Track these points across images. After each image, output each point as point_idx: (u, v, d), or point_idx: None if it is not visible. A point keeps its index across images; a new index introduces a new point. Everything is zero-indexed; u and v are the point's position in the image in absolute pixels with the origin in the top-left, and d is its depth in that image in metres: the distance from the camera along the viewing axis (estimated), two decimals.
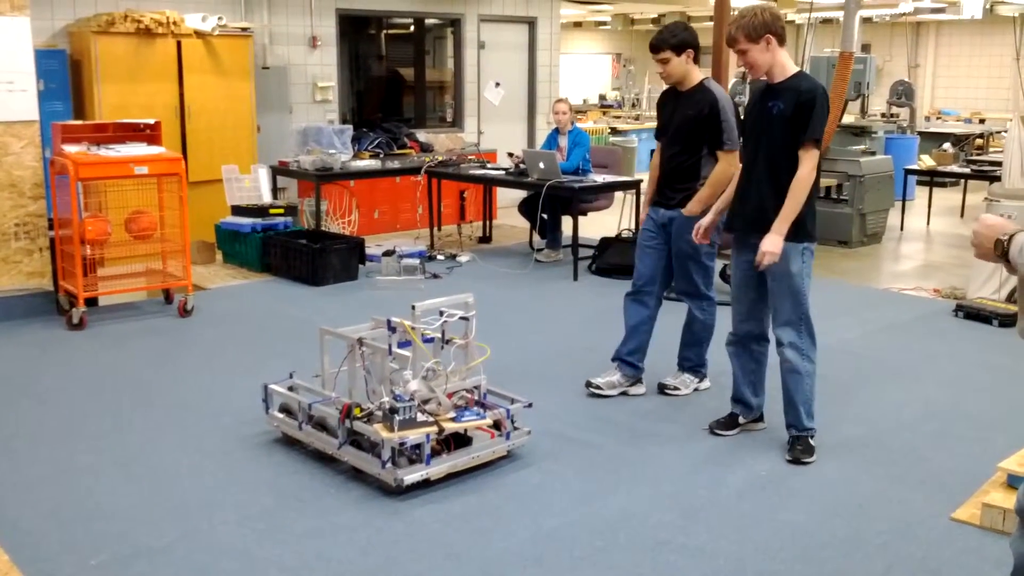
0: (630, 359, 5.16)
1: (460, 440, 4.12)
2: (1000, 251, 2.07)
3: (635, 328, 5.15)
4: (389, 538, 3.60)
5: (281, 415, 4.44)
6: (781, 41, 4.21)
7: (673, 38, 4.85)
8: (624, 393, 5.13)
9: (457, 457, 4.06)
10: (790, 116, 4.12)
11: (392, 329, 4.15)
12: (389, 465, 3.87)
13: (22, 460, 4.30)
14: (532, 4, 12.02)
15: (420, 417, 3.94)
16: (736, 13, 4.24)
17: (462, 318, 4.40)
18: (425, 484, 3.97)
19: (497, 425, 4.21)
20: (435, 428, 3.97)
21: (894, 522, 3.75)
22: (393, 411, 3.87)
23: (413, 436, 3.89)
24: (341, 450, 4.09)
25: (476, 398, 4.38)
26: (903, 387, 5.34)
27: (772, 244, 4.12)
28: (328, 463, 4.20)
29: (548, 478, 4.13)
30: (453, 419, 4.08)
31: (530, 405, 4.39)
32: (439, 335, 4.30)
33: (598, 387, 5.15)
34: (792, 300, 4.25)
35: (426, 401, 4.04)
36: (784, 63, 4.21)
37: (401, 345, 4.16)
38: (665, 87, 5.15)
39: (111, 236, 6.56)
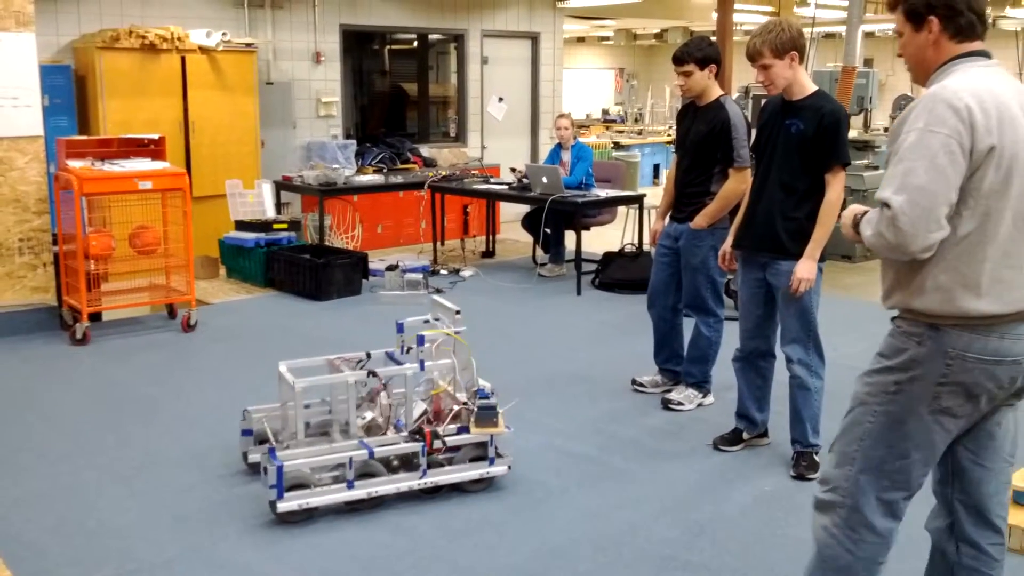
0: (667, 366, 5.41)
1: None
2: (853, 223, 2.49)
3: (661, 338, 5.39)
4: (393, 553, 3.58)
5: (298, 492, 3.84)
6: (802, 58, 4.20)
7: (698, 51, 4.88)
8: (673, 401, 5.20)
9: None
10: (812, 137, 4.09)
11: (422, 343, 4.25)
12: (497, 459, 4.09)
13: (25, 475, 4.29)
14: (535, 19, 12.06)
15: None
16: (760, 26, 4.21)
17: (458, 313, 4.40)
18: (423, 496, 3.97)
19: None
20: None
21: (898, 538, 3.72)
22: (489, 408, 4.07)
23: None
24: (426, 477, 3.97)
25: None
26: None
27: (807, 271, 4.11)
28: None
29: (552, 493, 4.12)
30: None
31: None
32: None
33: (641, 384, 5.41)
34: (801, 317, 4.24)
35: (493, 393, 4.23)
36: (803, 81, 4.19)
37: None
38: (683, 102, 5.18)
39: (115, 251, 6.56)
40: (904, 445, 2.49)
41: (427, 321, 4.52)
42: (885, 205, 2.33)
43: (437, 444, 3.99)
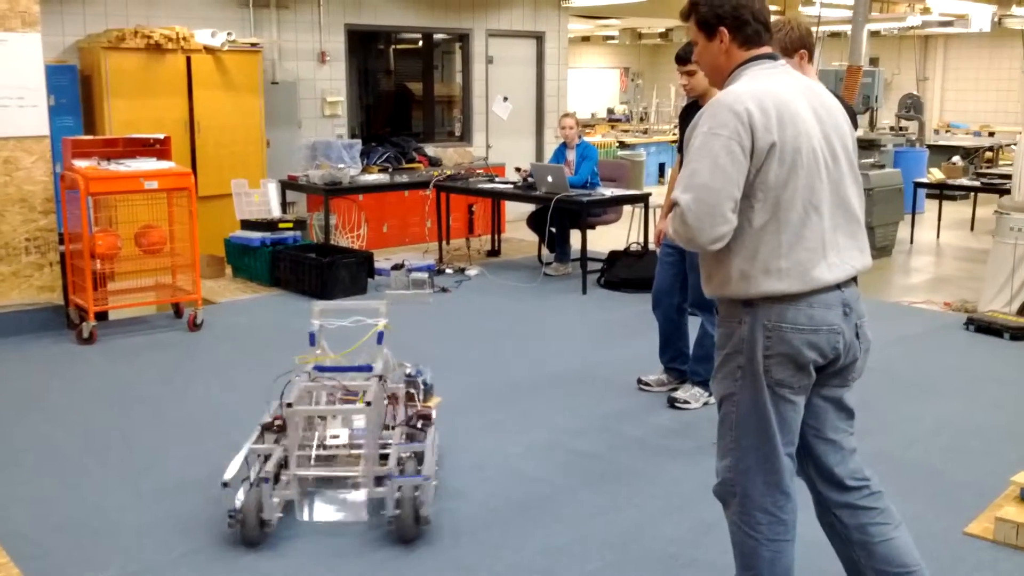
0: (672, 365, 5.42)
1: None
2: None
3: (667, 338, 5.40)
4: (400, 551, 3.58)
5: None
6: (811, 56, 4.19)
7: None
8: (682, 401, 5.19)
9: None
10: None
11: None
12: None
13: (31, 473, 4.30)
14: (540, 19, 12.05)
15: None
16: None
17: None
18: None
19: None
20: None
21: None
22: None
23: None
24: None
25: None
26: (914, 401, 5.31)
27: None
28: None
29: (559, 492, 4.11)
30: None
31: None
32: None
33: (647, 384, 5.40)
34: None
35: None
36: (812, 78, 4.18)
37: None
38: (686, 101, 5.17)
39: (121, 250, 6.57)
40: (766, 425, 2.64)
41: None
42: (676, 203, 2.54)
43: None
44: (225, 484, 3.61)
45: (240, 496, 3.63)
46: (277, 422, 3.91)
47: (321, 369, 4.09)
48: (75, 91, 8.19)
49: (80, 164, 6.39)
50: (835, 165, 2.62)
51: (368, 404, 3.80)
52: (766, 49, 2.69)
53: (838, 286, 2.61)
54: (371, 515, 3.77)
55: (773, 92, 2.56)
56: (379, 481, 3.76)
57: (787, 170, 2.52)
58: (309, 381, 4.01)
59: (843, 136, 2.67)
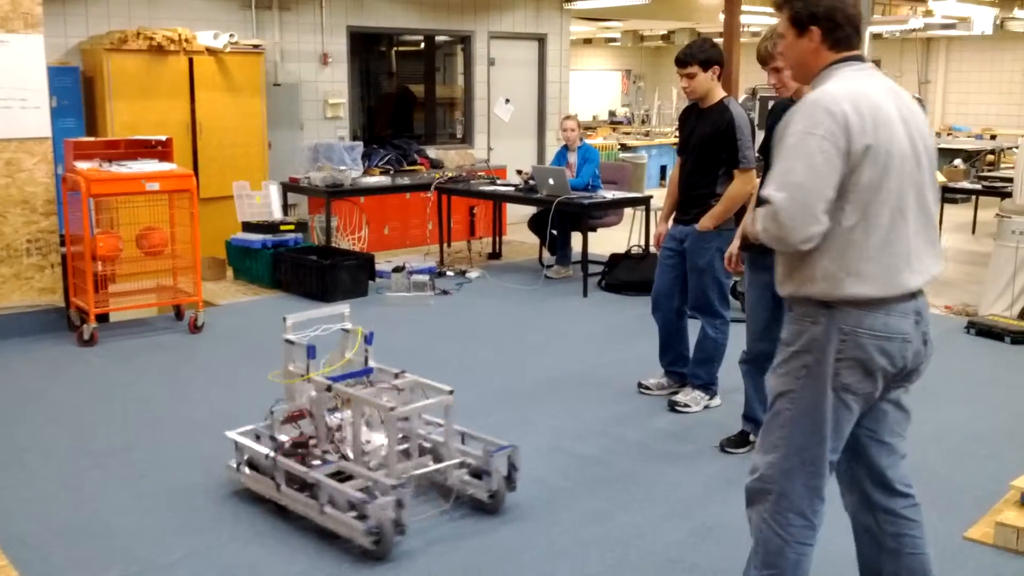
0: (672, 368, 5.40)
1: None
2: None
3: (665, 341, 5.38)
4: (401, 551, 3.58)
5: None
6: None
7: (701, 53, 4.88)
8: (684, 405, 5.18)
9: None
10: None
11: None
12: None
13: (31, 475, 4.30)
14: (542, 21, 12.06)
15: None
16: (770, 29, 4.19)
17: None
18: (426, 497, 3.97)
19: None
20: None
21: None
22: None
23: None
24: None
25: None
26: (914, 404, 5.27)
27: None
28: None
29: (559, 495, 4.11)
30: None
31: None
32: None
33: (647, 387, 5.39)
34: None
35: None
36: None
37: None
38: (687, 104, 5.17)
39: (122, 252, 6.58)
40: (820, 428, 2.65)
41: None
42: (767, 201, 2.53)
43: None
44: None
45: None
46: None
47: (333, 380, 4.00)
48: (77, 93, 8.19)
49: (82, 166, 6.40)
50: (918, 170, 2.62)
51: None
52: (855, 51, 2.69)
53: (913, 294, 2.62)
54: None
55: (866, 94, 2.56)
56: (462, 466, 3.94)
57: (879, 173, 2.52)
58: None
59: (925, 140, 2.66)
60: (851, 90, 2.55)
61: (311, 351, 4.06)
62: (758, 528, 2.78)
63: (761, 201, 2.56)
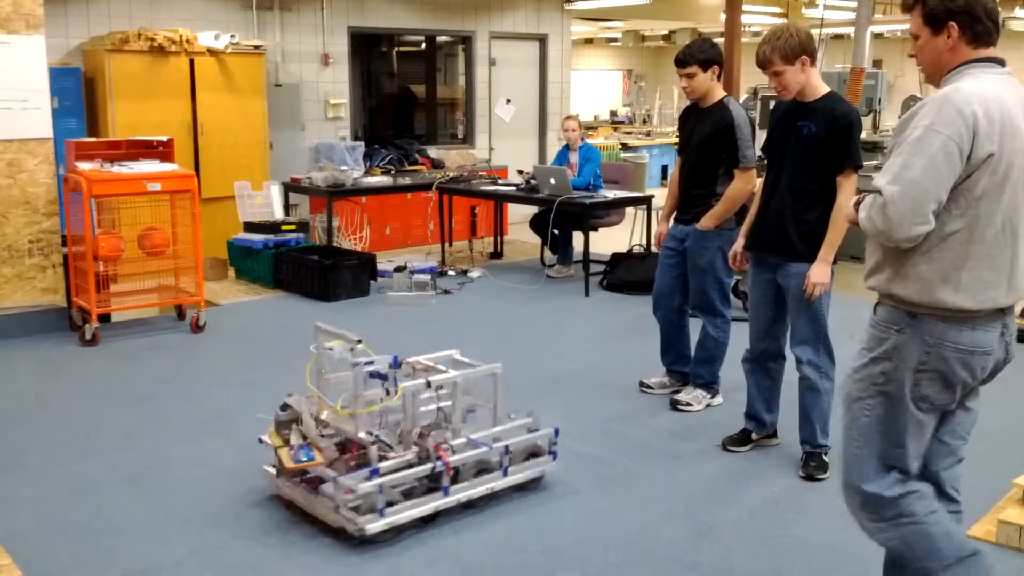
0: (674, 367, 5.41)
1: None
2: (855, 203, 2.60)
3: (667, 340, 5.38)
4: (402, 549, 3.58)
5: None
6: (813, 60, 4.18)
7: (701, 53, 4.88)
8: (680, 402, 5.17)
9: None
10: (824, 139, 4.07)
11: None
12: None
13: (34, 475, 4.30)
14: (543, 21, 12.06)
15: None
16: (768, 33, 4.20)
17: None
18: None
19: None
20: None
21: None
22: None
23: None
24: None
25: None
26: None
27: (821, 275, 4.12)
28: None
29: (561, 494, 4.11)
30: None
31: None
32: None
33: (649, 386, 5.41)
34: (811, 320, 4.23)
35: None
36: (816, 83, 4.17)
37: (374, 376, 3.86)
38: (687, 103, 5.17)
39: (124, 252, 6.58)
40: (898, 434, 2.62)
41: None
42: (879, 192, 2.45)
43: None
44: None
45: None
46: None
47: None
48: (79, 93, 8.20)
49: (83, 166, 6.40)
50: None
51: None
52: (992, 51, 2.58)
53: (1003, 310, 2.58)
54: None
55: (999, 99, 2.46)
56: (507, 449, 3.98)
57: (997, 183, 2.44)
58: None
59: None
60: (984, 92, 2.45)
61: (381, 377, 3.81)
62: (887, 538, 2.72)
63: (873, 191, 2.46)
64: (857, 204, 2.58)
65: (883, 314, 2.63)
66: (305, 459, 3.73)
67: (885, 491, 2.65)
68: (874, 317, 2.67)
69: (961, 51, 2.56)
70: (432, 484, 3.80)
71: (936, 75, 2.64)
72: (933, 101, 2.45)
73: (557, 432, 4.22)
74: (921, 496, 2.67)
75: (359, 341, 3.87)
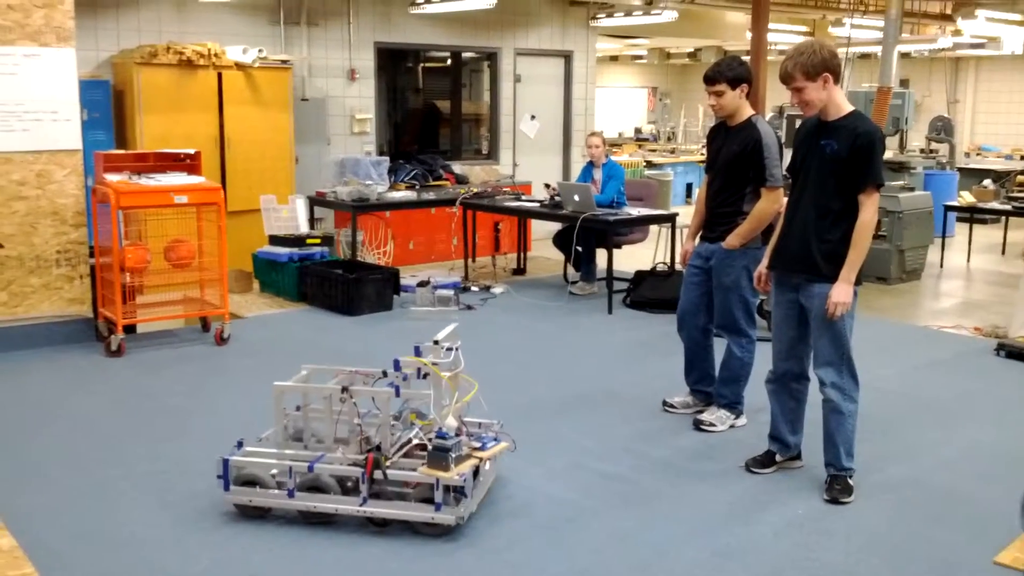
0: (698, 387, 5.37)
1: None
2: None
3: (691, 359, 5.36)
4: (424, 568, 3.57)
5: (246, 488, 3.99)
6: (836, 78, 4.15)
7: (730, 71, 4.88)
8: (709, 424, 5.14)
9: (483, 487, 4.07)
10: (846, 157, 4.04)
11: (398, 368, 4.08)
12: (445, 507, 3.78)
13: (57, 484, 4.33)
14: (568, 38, 12.08)
15: (464, 451, 3.90)
16: (792, 48, 4.18)
17: (448, 349, 4.27)
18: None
19: None
20: (476, 460, 3.94)
21: (934, 564, 3.67)
22: (443, 449, 3.78)
23: (467, 470, 3.83)
24: (367, 505, 3.83)
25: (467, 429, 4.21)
26: (943, 426, 5.25)
27: (843, 295, 4.07)
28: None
29: (582, 513, 4.09)
30: (479, 449, 4.03)
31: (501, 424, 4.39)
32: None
33: (672, 405, 5.38)
34: (834, 341, 4.18)
35: (458, 434, 4.00)
36: (839, 101, 4.14)
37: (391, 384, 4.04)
38: (713, 121, 5.16)
39: (150, 264, 6.63)
40: None
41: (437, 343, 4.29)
42: None
43: (377, 474, 3.81)
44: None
45: None
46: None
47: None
48: (108, 106, 8.29)
49: (111, 178, 6.46)
50: None
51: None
52: None
53: None
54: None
55: None
56: None
57: None
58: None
59: None
60: None
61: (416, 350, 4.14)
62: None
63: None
64: None
65: None
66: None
67: None
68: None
69: None
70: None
71: None
72: None
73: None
74: None
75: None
